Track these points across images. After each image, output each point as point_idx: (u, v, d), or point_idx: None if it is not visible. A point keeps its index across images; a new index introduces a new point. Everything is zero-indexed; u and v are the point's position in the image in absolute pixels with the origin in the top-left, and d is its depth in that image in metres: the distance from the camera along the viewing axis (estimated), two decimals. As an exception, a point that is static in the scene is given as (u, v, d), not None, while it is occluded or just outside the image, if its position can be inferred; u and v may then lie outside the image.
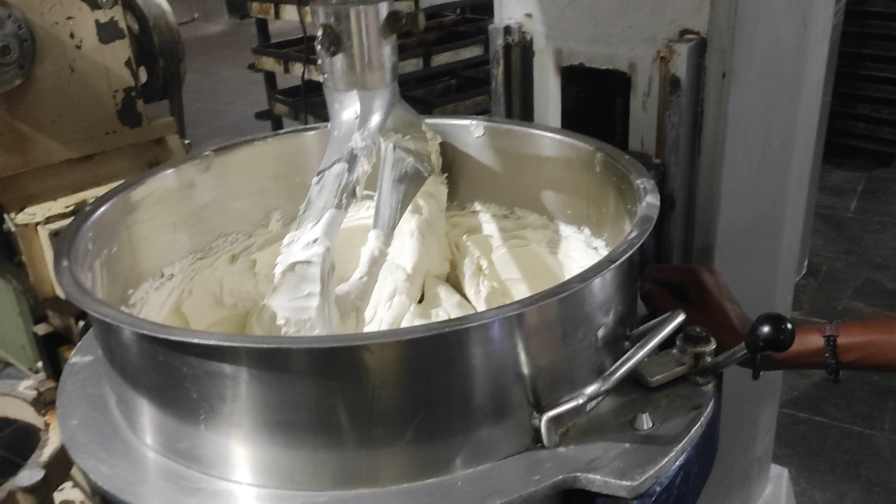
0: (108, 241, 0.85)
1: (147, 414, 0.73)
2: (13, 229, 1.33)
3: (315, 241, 0.85)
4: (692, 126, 1.04)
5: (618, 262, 0.72)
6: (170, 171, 0.95)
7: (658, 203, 0.80)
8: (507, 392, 0.70)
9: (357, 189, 0.90)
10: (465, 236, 1.14)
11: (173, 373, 0.67)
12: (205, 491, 0.69)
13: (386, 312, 1.05)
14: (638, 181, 0.85)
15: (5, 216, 1.34)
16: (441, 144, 1.09)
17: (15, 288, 1.56)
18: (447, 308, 1.06)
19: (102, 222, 0.84)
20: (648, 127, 1.06)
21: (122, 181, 0.89)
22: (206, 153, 0.98)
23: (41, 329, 1.64)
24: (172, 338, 0.65)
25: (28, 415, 1.73)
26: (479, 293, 1.10)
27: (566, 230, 1.04)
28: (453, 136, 1.09)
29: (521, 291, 1.10)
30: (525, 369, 0.70)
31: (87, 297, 0.69)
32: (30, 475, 1.39)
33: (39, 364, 1.74)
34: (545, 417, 0.71)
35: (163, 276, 0.95)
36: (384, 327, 1.02)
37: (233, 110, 5.50)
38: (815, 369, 0.89)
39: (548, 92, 1.16)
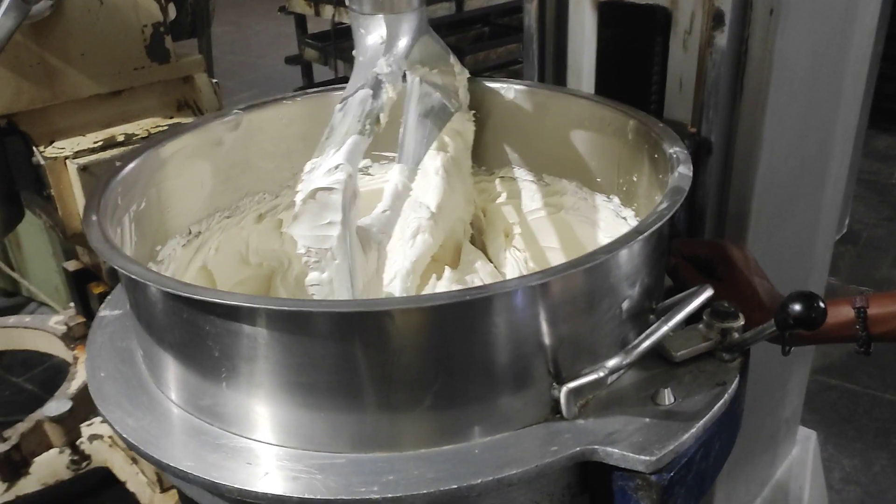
0: (138, 197, 0.86)
1: (171, 370, 0.74)
2: (42, 163, 1.35)
3: (337, 167, 0.82)
4: (735, 66, 1.00)
5: (646, 234, 0.71)
6: (199, 128, 0.95)
7: (691, 174, 0.79)
8: (528, 362, 0.70)
9: (381, 116, 0.88)
10: (492, 202, 1.13)
11: (196, 331, 0.68)
12: (226, 447, 0.71)
13: (409, 251, 1.04)
14: (671, 150, 0.83)
15: (34, 149, 1.36)
16: (471, 100, 1.07)
17: (45, 223, 1.59)
18: (482, 276, 1.06)
19: (131, 178, 0.85)
20: (688, 68, 1.02)
21: (151, 136, 0.90)
22: (235, 111, 0.98)
23: (71, 265, 1.68)
24: (196, 297, 0.65)
25: (58, 349, 1.78)
26: (506, 260, 1.09)
27: (595, 199, 1.03)
28: (484, 99, 1.08)
29: (547, 259, 1.09)
30: (547, 340, 0.69)
31: (115, 253, 0.70)
32: (57, 406, 1.44)
33: (72, 304, 1.79)
34: (565, 389, 0.71)
35: (190, 233, 0.96)
36: (406, 266, 1.02)
37: (264, 63, 5.47)
38: (845, 342, 0.88)
39: (583, 32, 1.11)
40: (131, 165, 0.86)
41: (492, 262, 1.11)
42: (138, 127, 1.46)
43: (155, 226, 0.90)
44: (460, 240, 1.12)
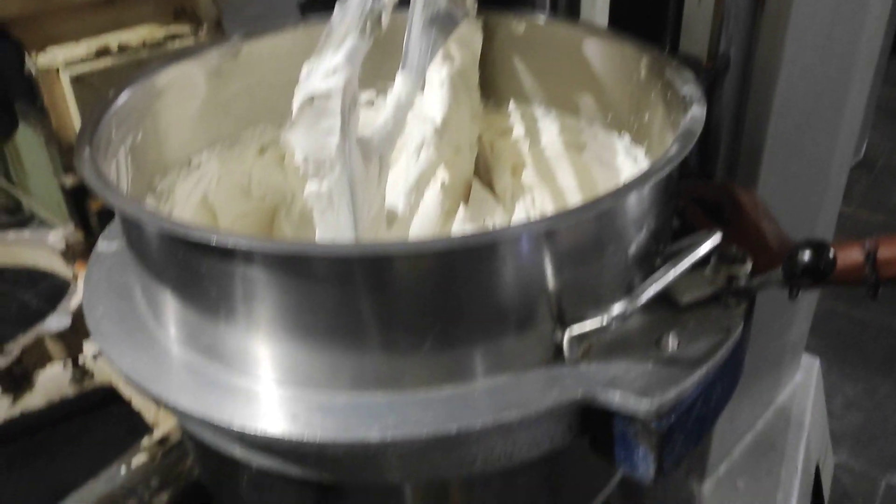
0: (133, 129, 0.84)
1: (170, 308, 0.73)
2: (34, 72, 1.33)
3: (335, 70, 0.78)
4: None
5: (655, 179, 0.70)
6: (195, 56, 0.92)
7: (703, 116, 0.76)
8: (531, 306, 0.69)
9: (383, 16, 0.83)
10: (500, 137, 1.11)
11: (193, 271, 0.67)
12: (225, 385, 0.71)
13: (412, 166, 1.02)
14: (684, 90, 0.81)
15: (27, 57, 1.34)
16: (483, 35, 1.04)
17: (41, 135, 1.58)
18: (490, 216, 1.05)
19: (125, 109, 0.83)
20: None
21: (145, 66, 0.87)
22: (234, 39, 0.95)
23: (68, 181, 1.66)
24: (192, 237, 0.64)
25: (57, 265, 1.78)
26: (512, 197, 1.08)
27: (605, 136, 1.00)
28: (493, 31, 1.04)
29: (553, 196, 1.08)
30: (550, 284, 0.68)
31: (109, 191, 0.68)
32: (58, 321, 1.45)
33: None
34: (568, 333, 0.70)
35: (190, 164, 0.94)
36: (410, 182, 1.00)
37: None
38: (854, 286, 0.87)
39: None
40: (124, 96, 0.83)
41: (499, 198, 1.09)
42: (134, 35, 1.43)
43: (153, 158, 0.88)
44: (468, 170, 1.10)
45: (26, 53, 1.35)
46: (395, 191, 0.99)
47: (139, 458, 1.79)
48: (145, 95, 0.86)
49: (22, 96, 1.48)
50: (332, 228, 0.83)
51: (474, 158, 1.11)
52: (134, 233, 0.72)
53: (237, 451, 0.74)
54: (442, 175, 1.06)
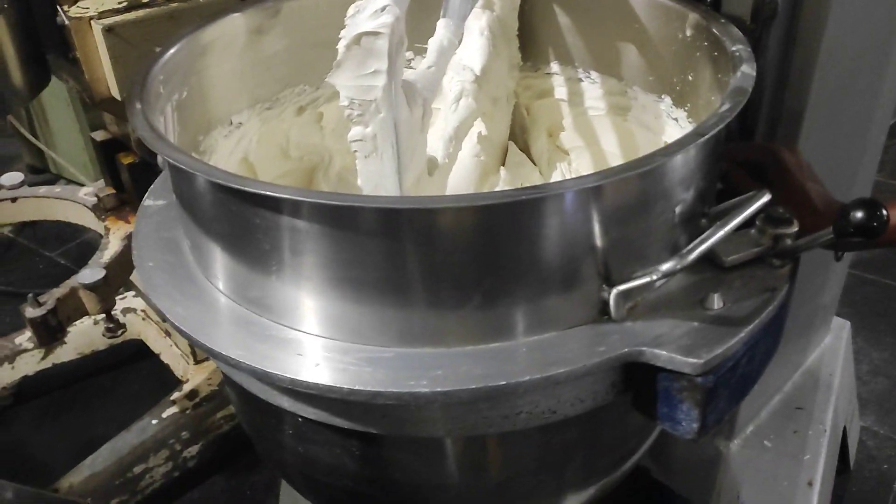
0: (179, 86, 0.85)
1: (219, 261, 0.75)
2: (66, 23, 1.34)
3: (384, 8, 0.78)
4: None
5: (706, 137, 0.70)
6: (237, 14, 0.93)
7: (754, 73, 0.77)
8: (578, 264, 0.69)
9: None
10: (537, 100, 1.11)
11: (246, 223, 0.69)
12: (275, 338, 0.72)
13: (451, 115, 1.02)
14: (733, 48, 0.80)
15: (59, 8, 1.35)
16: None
17: (72, 90, 1.59)
18: (529, 180, 1.06)
19: (172, 66, 0.84)
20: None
21: (190, 24, 0.88)
22: (275, -3, 0.96)
23: (99, 135, 1.68)
24: (246, 188, 0.65)
25: (88, 220, 1.81)
26: (549, 160, 1.08)
27: (645, 98, 1.00)
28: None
29: (591, 160, 1.08)
30: (598, 242, 0.69)
31: (164, 143, 0.70)
32: (91, 274, 1.48)
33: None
34: (615, 291, 0.71)
35: (231, 124, 0.95)
36: (449, 131, 1.00)
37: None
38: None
39: None
40: (170, 52, 0.84)
41: (535, 161, 1.10)
42: None
43: (197, 115, 0.89)
44: (505, 123, 1.09)
45: (58, 5, 1.35)
46: (434, 139, 1.00)
47: (170, 411, 1.83)
48: (190, 52, 0.87)
49: (54, 48, 1.49)
50: (375, 174, 0.83)
51: (511, 111, 1.11)
52: (186, 187, 0.73)
53: (285, 402, 0.76)
54: (479, 126, 1.06)
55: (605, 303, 0.72)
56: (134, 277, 1.88)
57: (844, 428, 1.78)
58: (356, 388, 0.67)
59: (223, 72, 0.92)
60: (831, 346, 1.70)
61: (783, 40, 1.00)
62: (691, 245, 0.71)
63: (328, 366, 0.70)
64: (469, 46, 1.04)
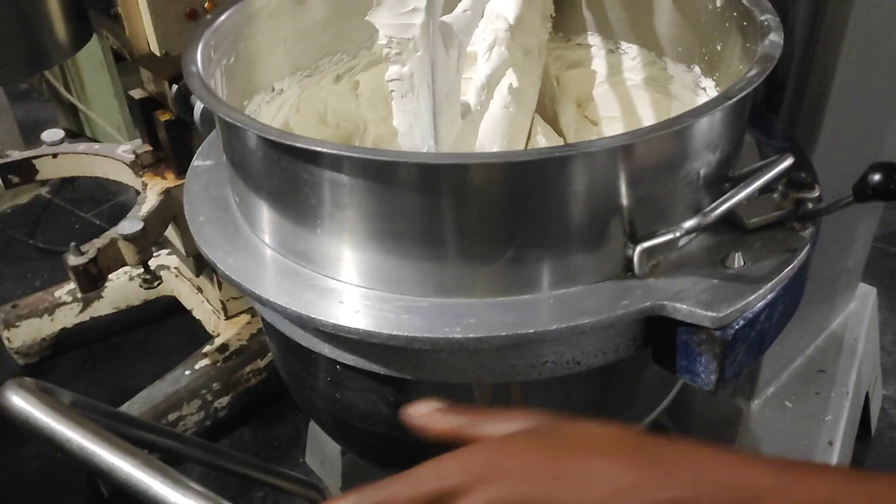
0: (228, 52, 0.90)
1: (267, 215, 0.81)
2: None
3: None
4: None
5: (734, 100, 0.73)
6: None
7: (781, 41, 0.80)
8: (605, 221, 0.74)
9: None
10: (566, 70, 1.14)
11: (294, 179, 0.74)
12: (319, 287, 0.78)
13: (484, 64, 1.04)
14: (762, 17, 0.84)
15: None
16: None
17: (111, 45, 1.64)
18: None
19: (222, 32, 0.89)
20: None
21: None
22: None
23: (136, 94, 1.74)
24: (298, 145, 0.71)
25: (127, 176, 1.88)
26: (576, 131, 1.12)
27: (674, 68, 1.04)
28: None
29: (619, 130, 1.12)
30: (624, 201, 0.74)
31: (219, 103, 0.75)
32: (130, 225, 1.56)
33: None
34: (639, 248, 0.76)
35: (273, 90, 1.00)
36: (481, 79, 1.03)
37: None
38: None
39: None
40: (221, 19, 0.89)
41: (563, 132, 1.14)
42: None
43: (243, 81, 0.94)
44: (536, 76, 1.11)
45: (101, -40, 1.41)
46: (466, 87, 1.01)
47: (202, 363, 1.91)
48: (238, 20, 0.92)
49: (95, 4, 1.54)
50: (410, 113, 0.86)
51: (542, 63, 1.14)
52: (238, 145, 0.79)
53: (325, 349, 0.82)
54: (510, 77, 1.09)
55: (630, 259, 0.77)
56: (169, 233, 1.95)
57: (867, 394, 1.81)
58: (394, 333, 0.73)
59: (267, 40, 0.97)
60: (856, 312, 1.73)
61: (810, 20, 1.02)
62: (714, 204, 0.76)
63: (368, 313, 0.76)
64: None
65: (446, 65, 0.87)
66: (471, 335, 0.72)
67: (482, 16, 0.99)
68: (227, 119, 0.74)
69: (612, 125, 1.13)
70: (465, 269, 0.75)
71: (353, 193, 0.72)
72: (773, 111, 1.12)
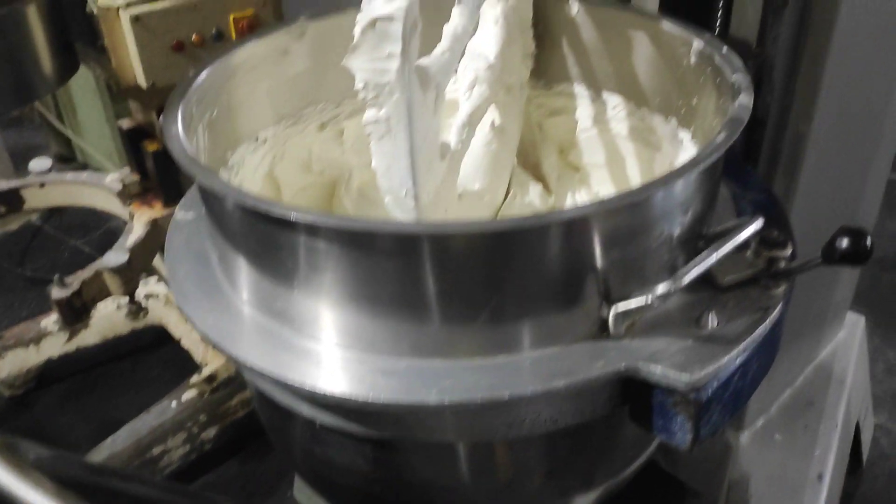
0: (210, 106, 0.92)
1: (245, 275, 0.82)
2: (95, 12, 1.41)
3: None
4: None
5: (702, 167, 0.77)
6: (265, 37, 1.00)
7: (751, 104, 0.82)
8: (579, 284, 0.76)
9: None
10: (549, 117, 1.16)
11: (272, 242, 0.76)
12: (296, 348, 0.80)
13: (465, 102, 1.05)
14: (733, 77, 0.86)
15: None
16: (533, 17, 1.09)
17: (98, 78, 1.67)
18: (532, 197, 1.12)
19: (205, 87, 0.91)
20: None
21: (221, 48, 0.95)
22: (301, 20, 1.02)
23: (125, 123, 1.76)
24: (274, 212, 0.72)
25: (114, 206, 1.89)
26: (559, 177, 1.14)
27: (653, 119, 1.06)
28: (545, 12, 1.10)
29: (600, 178, 1.14)
30: (598, 263, 0.76)
31: (197, 167, 0.77)
32: (115, 257, 1.57)
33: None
34: (614, 310, 0.77)
35: (258, 140, 1.02)
36: (462, 117, 1.04)
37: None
38: None
39: None
40: (204, 74, 0.91)
41: (545, 177, 1.15)
42: None
43: (226, 133, 0.96)
44: (518, 113, 1.12)
45: (87, -6, 1.43)
46: (447, 126, 1.03)
47: (189, 394, 1.92)
48: (221, 74, 0.94)
49: (82, 37, 1.56)
50: (388, 156, 0.88)
51: (524, 101, 1.15)
52: (216, 206, 0.81)
53: (304, 409, 0.84)
54: (493, 115, 1.10)
55: (605, 320, 0.79)
56: (156, 263, 1.96)
57: (857, 424, 1.83)
58: (371, 398, 0.75)
59: (250, 91, 0.99)
60: (844, 342, 1.74)
61: (797, 21, 1.04)
62: (686, 267, 0.77)
63: (345, 376, 0.77)
64: (484, 34, 1.08)
65: (423, 107, 0.89)
66: (446, 399, 0.74)
67: (462, 56, 1.01)
68: (204, 185, 0.75)
69: (594, 172, 1.15)
70: (441, 332, 0.77)
71: (329, 258, 0.74)
72: (754, 148, 1.15)
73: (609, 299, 0.78)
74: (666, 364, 0.76)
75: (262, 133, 1.03)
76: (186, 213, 0.96)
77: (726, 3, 1.09)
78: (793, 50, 1.07)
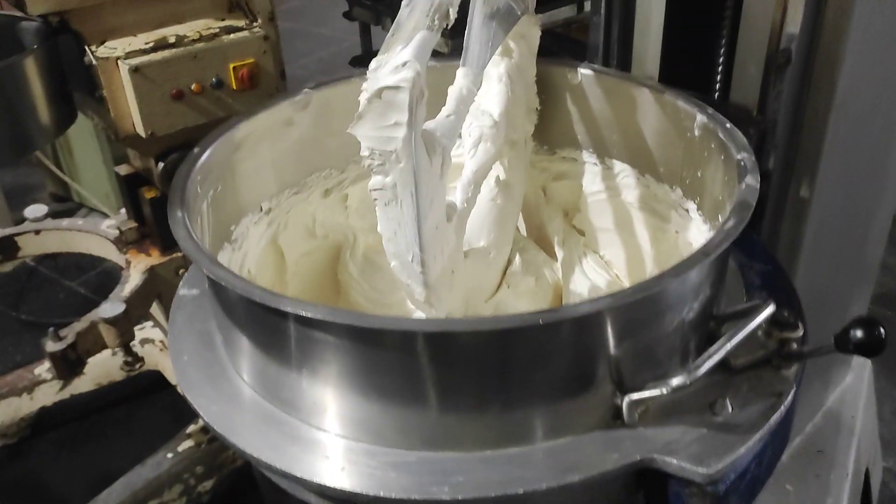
0: (214, 183, 0.92)
1: (252, 362, 0.82)
2: (94, 63, 1.41)
3: (404, 64, 0.82)
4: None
5: (712, 257, 0.77)
6: (270, 108, 1.01)
7: (758, 185, 0.82)
8: (592, 373, 0.76)
9: (451, 10, 0.87)
10: (553, 181, 1.17)
11: (279, 333, 0.76)
12: (304, 440, 0.79)
13: (470, 160, 1.06)
14: (738, 156, 0.87)
15: (86, 49, 1.43)
16: (537, 85, 1.10)
17: (96, 126, 1.66)
18: (536, 267, 1.12)
19: (209, 165, 0.91)
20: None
21: (227, 120, 0.95)
22: (305, 90, 1.03)
23: (122, 170, 1.76)
24: (281, 308, 0.72)
25: (110, 252, 1.88)
26: (564, 241, 1.14)
27: (658, 188, 1.07)
28: (549, 80, 1.11)
29: (607, 242, 1.14)
30: (611, 353, 0.76)
31: (203, 257, 0.77)
32: (111, 308, 1.55)
33: (123, 210, 1.88)
34: (627, 399, 0.77)
35: (261, 210, 1.02)
36: (467, 176, 1.04)
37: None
38: None
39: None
40: (208, 152, 0.91)
41: (549, 241, 1.16)
42: (189, 28, 1.51)
43: (230, 207, 0.96)
44: (522, 167, 1.13)
45: (86, 45, 1.43)
46: (452, 185, 1.03)
47: (185, 445, 1.91)
48: (225, 150, 0.94)
49: (81, 87, 1.56)
50: (394, 221, 0.87)
51: (528, 155, 1.16)
52: (224, 297, 0.81)
53: (311, 499, 0.83)
54: (497, 170, 1.11)
55: (619, 408, 0.79)
56: (153, 310, 1.96)
57: (867, 470, 1.82)
58: (381, 494, 0.74)
59: (255, 164, 0.99)
60: (852, 387, 1.73)
61: (799, 79, 1.05)
62: (700, 359, 0.77)
63: (354, 470, 0.77)
64: (488, 92, 1.10)
65: (429, 173, 0.89)
66: (458, 496, 0.74)
67: (465, 119, 1.01)
68: (211, 276, 0.75)
69: (601, 237, 1.15)
70: (451, 424, 0.77)
71: (337, 352, 0.74)
72: (757, 211, 1.14)
73: (622, 388, 0.78)
74: (682, 456, 0.76)
75: (265, 203, 1.03)
76: (190, 289, 0.96)
77: (726, 67, 1.10)
78: (795, 109, 1.07)
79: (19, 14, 1.41)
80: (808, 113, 1.07)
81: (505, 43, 1.07)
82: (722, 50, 1.11)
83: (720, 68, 1.12)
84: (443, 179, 0.94)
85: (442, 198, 0.94)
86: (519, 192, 1.14)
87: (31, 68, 1.47)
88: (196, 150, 0.91)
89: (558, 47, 2.71)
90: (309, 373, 0.77)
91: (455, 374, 0.74)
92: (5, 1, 1.47)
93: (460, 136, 1.05)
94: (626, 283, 1.15)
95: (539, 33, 1.11)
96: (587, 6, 3.25)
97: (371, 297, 1.08)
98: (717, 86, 1.14)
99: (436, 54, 0.91)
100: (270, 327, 0.77)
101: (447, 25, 0.87)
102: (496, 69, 1.10)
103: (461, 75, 0.98)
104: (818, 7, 1.01)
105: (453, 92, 0.97)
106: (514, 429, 0.77)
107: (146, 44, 1.46)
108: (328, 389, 0.78)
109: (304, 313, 0.72)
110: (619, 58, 1.21)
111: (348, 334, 0.73)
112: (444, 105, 0.96)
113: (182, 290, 0.97)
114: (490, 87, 1.10)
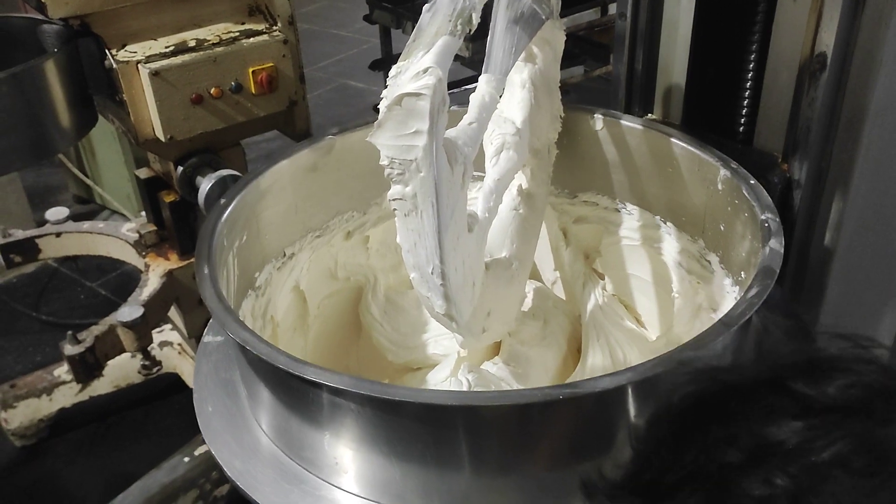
0: (240, 232, 0.95)
1: (275, 419, 0.85)
2: (114, 66, 1.44)
3: (426, 70, 0.80)
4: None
5: (735, 328, 0.78)
6: (294, 155, 1.03)
7: (781, 250, 0.84)
8: (612, 437, 0.78)
9: (473, 16, 0.86)
10: (574, 224, 1.18)
11: (303, 397, 0.79)
12: (325, 499, 0.82)
13: (492, 168, 1.04)
14: (763, 216, 0.87)
15: (107, 53, 1.45)
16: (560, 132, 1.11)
17: (117, 129, 1.69)
18: (559, 322, 1.14)
19: (234, 215, 0.94)
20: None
21: (250, 170, 0.98)
22: (329, 136, 1.05)
23: (142, 173, 1.78)
24: (306, 376, 0.75)
25: (130, 256, 1.91)
26: (584, 284, 1.16)
27: (679, 237, 1.08)
28: (571, 124, 1.12)
29: (624, 286, 1.16)
30: (632, 418, 0.78)
31: (229, 317, 0.80)
32: (129, 312, 1.57)
33: (143, 214, 1.92)
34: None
35: (284, 255, 1.05)
36: (489, 185, 1.03)
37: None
38: None
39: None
40: (235, 201, 0.94)
41: (569, 282, 1.17)
42: (209, 32, 1.53)
43: (254, 255, 0.99)
44: (545, 176, 1.13)
45: (107, 49, 1.46)
46: (473, 194, 1.03)
47: (201, 449, 1.94)
48: (251, 199, 0.97)
49: (101, 91, 1.59)
50: (414, 232, 0.86)
51: (551, 164, 1.15)
52: (250, 359, 0.83)
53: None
54: (520, 179, 1.10)
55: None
56: (171, 313, 1.99)
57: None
58: (405, 559, 0.78)
59: (279, 211, 1.02)
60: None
61: (834, 88, 1.03)
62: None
63: (380, 533, 0.79)
64: (510, 99, 1.08)
65: (451, 183, 0.86)
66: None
67: (487, 126, 0.98)
68: (237, 341, 0.78)
69: (619, 281, 1.17)
70: (471, 488, 0.79)
71: (360, 418, 0.77)
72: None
73: (642, 455, 0.81)
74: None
75: (288, 248, 1.06)
76: (215, 336, 0.99)
77: (756, 74, 1.08)
78: (828, 118, 1.06)
79: (40, 17, 1.44)
80: (841, 121, 1.07)
81: (528, 48, 1.05)
82: (753, 56, 1.09)
83: (750, 74, 1.10)
84: (464, 189, 0.92)
85: (463, 208, 0.92)
86: (542, 202, 1.12)
87: (52, 71, 1.49)
88: (223, 200, 0.93)
89: (581, 50, 2.72)
90: (331, 435, 0.80)
91: (475, 443, 0.76)
92: (27, 4, 1.50)
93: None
94: (649, 333, 1.17)
95: (563, 38, 1.09)
96: (611, 9, 3.25)
97: (393, 339, 1.10)
98: (747, 93, 1.11)
99: (456, 58, 0.90)
100: (293, 390, 0.80)
101: (470, 31, 0.86)
102: (519, 75, 1.08)
103: (483, 82, 0.97)
104: (854, 13, 1.00)
105: (475, 99, 0.96)
106: (533, 494, 0.80)
107: (166, 47, 1.48)
108: (349, 452, 0.80)
109: (328, 382, 0.75)
110: (644, 61, 1.19)
111: (370, 403, 0.75)
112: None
113: (207, 337, 0.99)
114: (513, 93, 1.08)
